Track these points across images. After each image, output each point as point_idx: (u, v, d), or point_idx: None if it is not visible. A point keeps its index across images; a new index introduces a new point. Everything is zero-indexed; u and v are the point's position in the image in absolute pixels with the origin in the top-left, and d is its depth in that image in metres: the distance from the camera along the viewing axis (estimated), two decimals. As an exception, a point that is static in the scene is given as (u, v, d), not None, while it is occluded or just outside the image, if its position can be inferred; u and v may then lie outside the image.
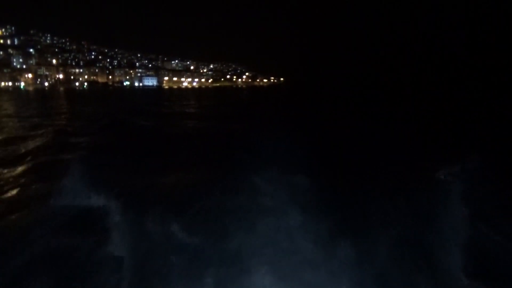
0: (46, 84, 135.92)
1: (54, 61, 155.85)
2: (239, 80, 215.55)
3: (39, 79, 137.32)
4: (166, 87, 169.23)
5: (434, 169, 8.61)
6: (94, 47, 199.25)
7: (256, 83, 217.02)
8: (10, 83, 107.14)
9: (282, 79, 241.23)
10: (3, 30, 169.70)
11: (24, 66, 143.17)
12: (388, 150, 12.01)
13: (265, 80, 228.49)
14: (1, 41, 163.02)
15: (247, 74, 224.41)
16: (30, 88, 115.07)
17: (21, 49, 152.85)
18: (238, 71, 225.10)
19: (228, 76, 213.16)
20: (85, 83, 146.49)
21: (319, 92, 76.98)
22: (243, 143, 13.34)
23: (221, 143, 14.25)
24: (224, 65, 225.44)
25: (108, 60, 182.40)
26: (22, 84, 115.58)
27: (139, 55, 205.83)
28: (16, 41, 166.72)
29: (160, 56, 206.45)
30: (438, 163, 9.19)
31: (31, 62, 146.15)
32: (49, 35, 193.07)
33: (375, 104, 41.36)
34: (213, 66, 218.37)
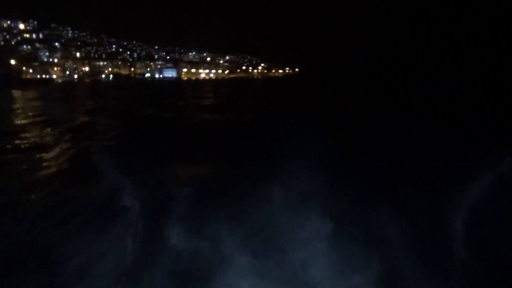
0: (76, 76, 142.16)
1: (77, 54, 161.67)
2: (255, 71, 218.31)
3: (67, 72, 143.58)
4: (185, 78, 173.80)
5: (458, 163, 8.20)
6: (113, 40, 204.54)
7: (271, 74, 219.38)
8: (43, 76, 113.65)
9: (297, 69, 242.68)
10: (26, 24, 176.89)
11: (50, 60, 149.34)
12: (410, 140, 11.35)
13: (280, 71, 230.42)
14: (27, 35, 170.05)
15: (262, 65, 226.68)
16: (60, 81, 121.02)
17: (47, 43, 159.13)
18: (254, 62, 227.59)
19: (243, 67, 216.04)
20: (111, 76, 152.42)
21: (335, 82, 76.53)
22: (266, 133, 13.25)
23: (244, 134, 14.19)
24: (239, 57, 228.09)
25: (128, 53, 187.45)
26: (54, 76, 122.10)
27: (156, 47, 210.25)
28: (41, 36, 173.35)
29: (177, 48, 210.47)
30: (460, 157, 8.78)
31: (57, 55, 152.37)
32: (69, 28, 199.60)
33: (393, 94, 38.85)
34: (229, 57, 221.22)
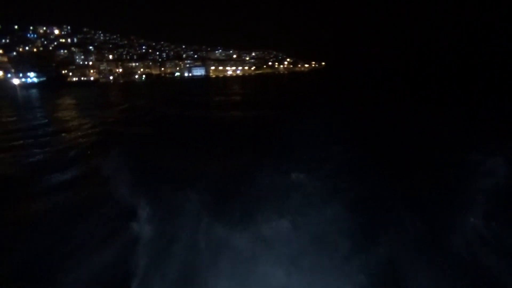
0: (111, 78, 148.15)
1: (110, 56, 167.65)
2: (281, 66, 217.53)
3: (102, 74, 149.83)
4: (213, 76, 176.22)
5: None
6: (142, 41, 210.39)
7: (297, 69, 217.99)
8: (82, 78, 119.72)
9: (323, 63, 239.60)
10: (61, 30, 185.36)
11: (85, 63, 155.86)
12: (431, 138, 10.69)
13: (306, 66, 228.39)
14: (63, 40, 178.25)
15: (288, 60, 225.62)
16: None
17: (81, 47, 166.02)
18: (280, 57, 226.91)
19: (270, 63, 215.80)
20: (143, 76, 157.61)
21: (361, 76, 73.99)
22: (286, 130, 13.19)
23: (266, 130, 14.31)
24: (265, 53, 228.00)
25: (157, 53, 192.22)
26: (92, 78, 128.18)
27: (183, 46, 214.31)
28: (75, 40, 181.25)
29: (203, 47, 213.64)
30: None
31: (91, 58, 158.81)
32: (100, 32, 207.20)
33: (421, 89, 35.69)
34: (254, 54, 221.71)
